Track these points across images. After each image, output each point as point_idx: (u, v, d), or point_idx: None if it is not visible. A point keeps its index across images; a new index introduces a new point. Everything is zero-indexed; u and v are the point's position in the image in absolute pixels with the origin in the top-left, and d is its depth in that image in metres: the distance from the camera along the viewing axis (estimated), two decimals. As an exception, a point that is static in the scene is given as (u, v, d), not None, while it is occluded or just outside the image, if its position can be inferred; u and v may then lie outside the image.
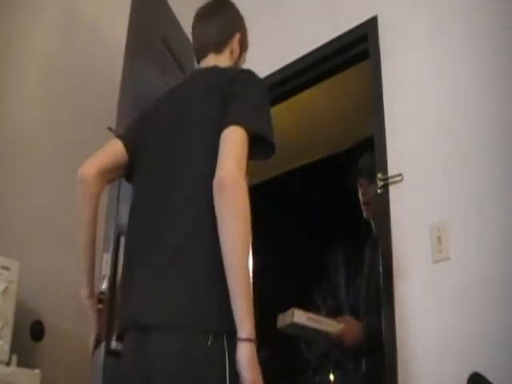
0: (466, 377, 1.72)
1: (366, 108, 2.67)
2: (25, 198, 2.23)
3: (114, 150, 1.51)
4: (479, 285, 1.91)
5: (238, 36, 1.65)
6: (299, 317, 2.12)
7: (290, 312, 2.16)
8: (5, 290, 1.86)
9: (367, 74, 2.57)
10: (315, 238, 4.03)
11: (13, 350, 1.84)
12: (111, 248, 1.95)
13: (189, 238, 1.29)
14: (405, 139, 2.30)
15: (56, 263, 2.20)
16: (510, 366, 1.75)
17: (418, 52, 2.39)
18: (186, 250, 1.27)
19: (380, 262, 2.21)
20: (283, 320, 2.20)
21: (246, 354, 1.16)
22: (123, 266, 1.46)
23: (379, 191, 2.29)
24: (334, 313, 2.42)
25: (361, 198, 2.56)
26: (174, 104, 1.51)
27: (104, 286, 1.86)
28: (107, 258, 1.93)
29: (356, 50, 2.66)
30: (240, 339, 1.17)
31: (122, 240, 1.93)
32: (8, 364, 1.81)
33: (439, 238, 2.06)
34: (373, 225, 2.54)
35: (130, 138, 1.53)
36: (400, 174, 2.24)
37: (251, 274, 1.24)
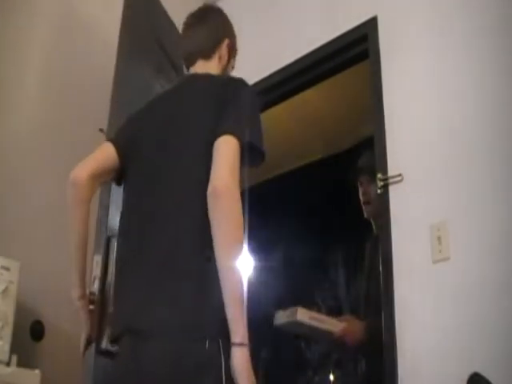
0: (465, 377, 1.72)
1: (366, 108, 2.67)
2: (25, 198, 2.23)
3: (106, 153, 1.51)
4: (479, 285, 1.91)
5: (226, 42, 1.66)
6: (302, 315, 2.13)
7: (292, 310, 2.16)
8: (5, 290, 1.86)
9: (367, 74, 2.57)
10: (315, 238, 4.02)
11: (13, 350, 1.84)
12: (102, 250, 1.96)
13: (180, 244, 1.30)
14: (405, 139, 2.30)
15: (56, 263, 2.20)
16: (510, 365, 1.75)
17: (418, 52, 2.39)
18: (177, 256, 1.29)
19: (380, 261, 2.21)
20: (283, 317, 2.20)
21: (240, 359, 1.20)
22: (116, 269, 1.47)
23: (379, 191, 2.29)
24: (334, 313, 2.43)
25: (361, 198, 2.57)
26: (166, 109, 1.52)
27: (95, 287, 1.87)
28: (98, 259, 1.94)
29: (356, 50, 2.66)
30: (234, 344, 1.20)
31: (113, 242, 1.95)
32: (8, 364, 1.81)
33: (439, 238, 2.06)
34: (373, 224, 2.55)
35: (121, 142, 1.53)
36: (400, 174, 2.24)
37: (245, 279, 1.25)
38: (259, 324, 2.30)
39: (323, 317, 2.22)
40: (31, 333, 2.09)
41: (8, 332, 1.84)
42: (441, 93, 2.26)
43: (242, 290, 1.23)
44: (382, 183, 2.28)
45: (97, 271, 1.91)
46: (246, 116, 1.39)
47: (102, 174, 1.50)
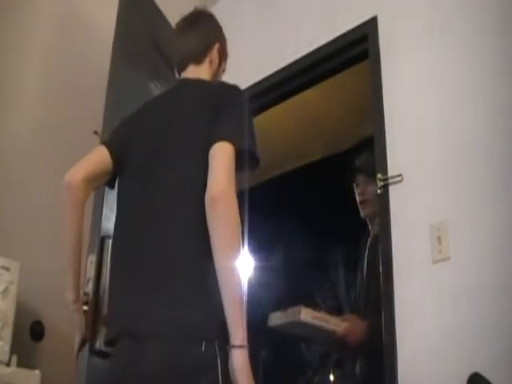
0: (465, 377, 1.72)
1: (366, 108, 2.67)
2: (25, 198, 2.23)
3: (100, 156, 1.53)
4: (479, 285, 1.91)
5: (217, 46, 1.67)
6: (306, 315, 2.12)
7: (295, 309, 2.15)
8: (5, 291, 1.86)
9: (367, 74, 2.57)
10: (315, 238, 4.03)
11: (13, 351, 1.84)
12: (96, 250, 1.97)
13: (177, 247, 1.32)
14: (405, 139, 2.30)
15: (56, 263, 2.19)
16: (510, 365, 1.75)
17: (418, 52, 2.39)
18: (174, 259, 1.31)
19: (380, 261, 2.21)
20: (283, 318, 2.20)
21: (240, 360, 1.21)
22: (111, 271, 1.48)
23: (379, 191, 2.29)
24: (334, 313, 2.42)
25: (357, 198, 2.57)
26: (159, 113, 1.53)
27: (89, 287, 1.88)
28: (92, 260, 1.95)
29: (356, 51, 2.66)
30: (234, 346, 1.22)
31: (107, 242, 1.97)
32: (8, 364, 1.81)
33: (439, 238, 2.06)
34: (369, 224, 2.56)
35: (114, 145, 1.54)
36: (400, 175, 2.24)
37: (243, 282, 1.28)
38: (259, 324, 2.30)
39: (326, 316, 2.22)
40: (31, 333, 2.09)
41: (8, 332, 1.84)
42: (441, 93, 2.26)
43: (241, 292, 1.25)
44: (381, 183, 2.28)
45: (91, 272, 1.92)
46: (240, 122, 1.41)
47: (96, 177, 1.51)
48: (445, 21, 2.33)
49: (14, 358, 1.84)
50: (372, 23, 2.56)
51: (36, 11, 2.48)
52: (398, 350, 2.03)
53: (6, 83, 2.31)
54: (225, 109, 1.41)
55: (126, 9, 2.33)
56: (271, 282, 3.61)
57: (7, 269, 1.89)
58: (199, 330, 1.25)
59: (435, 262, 2.05)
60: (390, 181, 2.27)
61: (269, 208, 3.75)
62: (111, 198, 1.82)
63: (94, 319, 1.74)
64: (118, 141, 1.55)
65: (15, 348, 1.86)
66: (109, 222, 1.96)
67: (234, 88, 1.51)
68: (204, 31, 1.67)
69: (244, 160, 1.37)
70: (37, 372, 1.85)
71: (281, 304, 2.47)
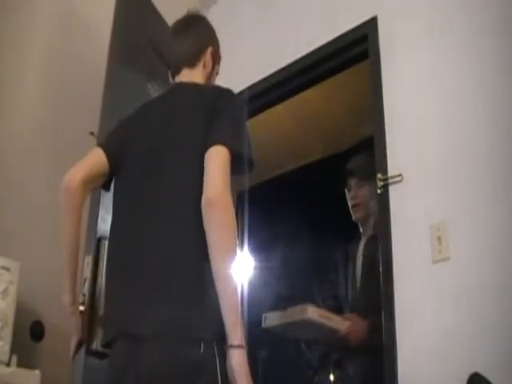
0: (465, 377, 1.72)
1: (366, 108, 2.67)
2: (25, 198, 2.23)
3: (97, 158, 1.54)
4: (479, 285, 1.91)
5: (210, 50, 1.68)
6: (313, 312, 2.12)
7: (301, 308, 2.15)
8: (5, 291, 1.86)
9: (367, 74, 2.57)
10: (315, 238, 4.02)
11: (13, 351, 1.84)
12: (92, 251, 1.98)
13: (174, 249, 1.33)
14: (405, 139, 2.30)
15: (56, 263, 2.19)
16: (510, 365, 1.75)
17: (417, 52, 2.39)
18: (172, 261, 1.32)
19: (380, 261, 2.21)
20: (285, 317, 2.19)
21: (238, 360, 1.23)
22: (108, 273, 1.48)
23: (379, 191, 2.29)
24: (334, 312, 2.42)
25: (349, 201, 2.60)
26: (155, 116, 1.54)
27: (85, 288, 1.89)
28: (88, 260, 1.96)
29: (356, 51, 2.66)
30: (232, 346, 1.24)
31: (103, 243, 1.99)
32: (8, 364, 1.81)
33: (439, 238, 2.06)
34: (361, 227, 2.58)
35: (111, 147, 1.56)
36: (400, 174, 2.24)
37: (240, 283, 1.30)
38: (258, 325, 2.30)
39: (330, 314, 2.23)
40: (31, 333, 2.09)
41: (8, 332, 1.84)
42: (441, 93, 2.26)
43: (238, 294, 1.27)
44: (381, 183, 2.28)
45: (87, 272, 1.93)
46: (234, 126, 1.43)
47: (93, 180, 1.53)
48: (445, 21, 2.33)
49: (14, 358, 1.83)
50: (372, 23, 2.56)
51: (36, 11, 2.48)
52: (398, 350, 2.03)
53: (6, 83, 2.31)
54: (219, 112, 1.43)
55: (122, 9, 2.33)
56: (271, 281, 3.61)
57: (7, 269, 1.89)
58: (198, 330, 1.26)
59: (435, 262, 2.05)
60: (390, 181, 2.27)
61: (269, 208, 3.75)
62: (107, 199, 1.83)
63: (90, 320, 1.75)
64: (115, 143, 1.57)
65: (15, 348, 1.86)
66: (105, 224, 1.98)
67: (228, 92, 1.53)
68: (197, 35, 1.69)
69: (239, 163, 1.39)
70: (37, 372, 1.85)
71: (281, 304, 2.47)
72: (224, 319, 1.24)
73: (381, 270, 2.18)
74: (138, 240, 1.38)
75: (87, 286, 1.91)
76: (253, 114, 2.92)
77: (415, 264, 2.11)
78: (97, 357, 1.76)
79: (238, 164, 1.39)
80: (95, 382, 1.65)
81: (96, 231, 2.00)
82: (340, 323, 2.22)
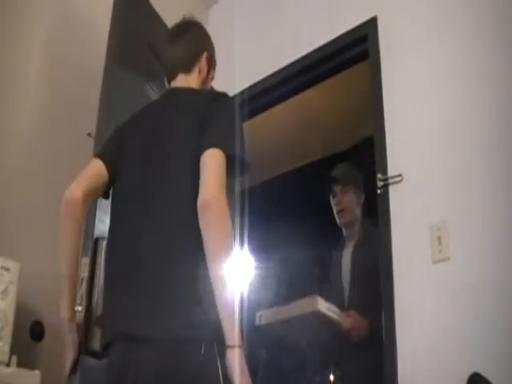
0: (465, 377, 1.72)
1: (366, 108, 2.67)
2: (25, 198, 2.23)
3: (97, 170, 1.55)
4: (479, 285, 1.91)
5: (205, 55, 1.70)
6: (322, 305, 2.12)
7: (309, 300, 2.14)
8: (5, 291, 1.86)
9: (367, 74, 2.57)
10: (315, 238, 4.02)
11: (13, 351, 1.84)
12: (89, 252, 1.99)
13: (175, 251, 1.35)
14: (405, 139, 2.30)
15: (56, 263, 2.19)
16: (510, 365, 1.75)
17: (417, 52, 2.39)
18: (173, 262, 1.34)
19: (380, 261, 2.21)
20: (287, 312, 2.18)
21: (235, 359, 1.25)
22: (106, 276, 1.49)
23: (379, 191, 2.29)
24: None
25: (335, 207, 2.64)
26: (151, 123, 1.56)
27: (82, 289, 1.89)
28: (85, 261, 1.97)
29: (356, 51, 2.66)
30: (230, 346, 1.26)
31: (100, 244, 2.00)
32: (8, 365, 1.80)
33: (439, 238, 2.06)
34: (344, 232, 2.61)
35: (108, 156, 1.57)
36: (400, 175, 2.24)
37: (236, 284, 1.31)
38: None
39: (335, 308, 2.24)
40: (31, 333, 2.08)
41: (8, 332, 1.84)
42: (441, 93, 2.26)
43: (233, 295, 1.28)
44: (381, 183, 2.28)
45: (84, 273, 1.94)
46: (230, 129, 1.44)
47: (94, 192, 1.55)
48: (445, 21, 2.33)
49: (14, 358, 1.83)
50: (372, 23, 2.57)
51: (35, 12, 2.48)
52: (398, 350, 2.03)
53: (6, 83, 2.31)
54: (215, 116, 1.45)
55: (120, 10, 2.33)
56: (271, 281, 3.61)
57: (7, 269, 1.89)
58: (199, 331, 1.27)
59: (435, 262, 2.05)
60: (390, 181, 2.27)
61: (269, 208, 3.75)
62: (104, 200, 1.83)
63: (87, 320, 1.75)
64: (111, 150, 1.59)
65: (15, 348, 1.85)
66: (102, 224, 2.00)
67: (223, 95, 1.55)
68: (192, 40, 1.70)
69: (235, 166, 1.41)
70: (37, 372, 1.85)
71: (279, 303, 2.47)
72: (221, 319, 1.26)
73: (381, 270, 2.18)
74: (137, 241, 1.39)
75: (84, 286, 1.91)
76: (253, 114, 2.92)
77: (415, 264, 2.11)
78: (95, 357, 1.75)
79: (234, 166, 1.40)
80: (93, 383, 1.65)
81: (93, 232, 2.01)
82: (343, 318, 2.23)
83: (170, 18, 2.35)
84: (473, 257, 1.97)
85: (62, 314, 1.50)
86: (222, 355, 1.26)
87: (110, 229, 1.51)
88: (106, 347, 1.37)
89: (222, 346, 1.26)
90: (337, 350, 2.41)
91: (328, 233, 2.95)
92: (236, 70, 2.78)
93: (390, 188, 2.27)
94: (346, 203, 2.64)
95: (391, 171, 2.28)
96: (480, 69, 2.16)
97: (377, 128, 2.40)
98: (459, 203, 2.07)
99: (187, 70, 1.66)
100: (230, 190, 1.39)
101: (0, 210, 2.12)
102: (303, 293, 2.33)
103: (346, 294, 2.50)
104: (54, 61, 2.50)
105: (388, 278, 2.14)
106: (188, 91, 1.61)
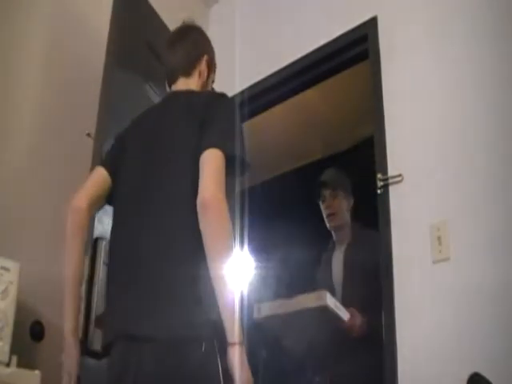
0: (465, 377, 1.72)
1: (366, 108, 2.67)
2: (25, 198, 2.23)
3: (101, 179, 1.58)
4: (479, 285, 1.91)
5: (205, 58, 1.71)
6: (330, 300, 2.13)
7: (320, 293, 2.13)
8: (5, 291, 1.86)
9: (367, 74, 2.57)
10: (315, 238, 4.02)
11: (13, 351, 1.84)
12: (89, 251, 1.99)
13: (175, 251, 1.36)
14: (405, 139, 2.30)
15: (56, 263, 2.20)
16: (510, 365, 1.75)
17: (417, 52, 2.39)
18: (173, 262, 1.35)
19: (380, 261, 2.21)
20: (291, 306, 2.18)
21: (236, 356, 1.26)
22: (108, 276, 1.49)
23: (379, 191, 2.29)
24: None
25: (324, 211, 2.66)
26: (151, 126, 1.57)
27: (82, 288, 1.89)
28: (85, 261, 1.96)
29: (356, 51, 2.66)
30: (231, 343, 1.27)
31: (100, 243, 2.02)
32: (8, 365, 1.80)
33: (439, 238, 2.06)
34: (334, 235, 2.63)
35: (110, 164, 1.59)
36: (400, 175, 2.24)
37: (236, 283, 1.32)
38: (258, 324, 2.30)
39: (339, 304, 2.25)
40: (31, 333, 2.08)
41: (8, 332, 1.83)
42: (441, 93, 2.26)
43: (234, 293, 1.29)
44: (381, 183, 2.28)
45: (84, 273, 1.93)
46: (229, 129, 1.45)
47: (98, 201, 1.58)
48: (445, 21, 2.33)
49: (14, 359, 1.83)
50: (372, 23, 2.57)
51: (35, 12, 2.48)
52: (398, 350, 2.03)
53: (6, 83, 2.31)
54: (214, 116, 1.46)
55: (120, 10, 2.34)
56: (271, 281, 3.61)
57: (7, 269, 1.88)
58: (199, 330, 1.28)
59: (435, 262, 2.05)
60: (390, 181, 2.27)
61: (269, 208, 3.75)
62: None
63: (86, 320, 1.74)
64: (113, 157, 1.61)
65: (15, 348, 1.85)
66: (102, 224, 2.01)
67: (222, 96, 1.56)
68: (192, 44, 1.72)
69: (235, 166, 1.42)
70: (37, 372, 1.84)
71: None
72: (222, 318, 1.27)
73: (381, 269, 2.18)
74: (137, 241, 1.40)
75: (84, 286, 1.91)
76: (253, 114, 2.93)
77: (415, 264, 2.11)
78: (95, 357, 1.75)
79: (233, 166, 1.41)
80: (93, 382, 1.65)
81: (93, 232, 2.02)
82: (345, 314, 2.25)
83: (170, 18, 2.36)
84: (473, 257, 1.97)
85: (66, 327, 1.47)
86: (223, 353, 1.27)
87: (111, 229, 1.53)
88: (106, 347, 1.37)
89: (222, 343, 1.27)
90: (337, 348, 2.41)
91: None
92: (236, 69, 2.78)
93: (390, 188, 2.27)
94: (336, 207, 2.68)
95: (391, 171, 2.28)
96: (480, 68, 2.16)
97: (377, 128, 2.40)
98: (459, 203, 2.07)
99: (187, 73, 1.68)
100: (230, 189, 1.39)
101: (0, 210, 2.12)
102: (302, 293, 2.33)
103: (339, 294, 2.51)
104: (54, 61, 2.50)
105: (388, 278, 2.14)
106: (188, 93, 1.62)
